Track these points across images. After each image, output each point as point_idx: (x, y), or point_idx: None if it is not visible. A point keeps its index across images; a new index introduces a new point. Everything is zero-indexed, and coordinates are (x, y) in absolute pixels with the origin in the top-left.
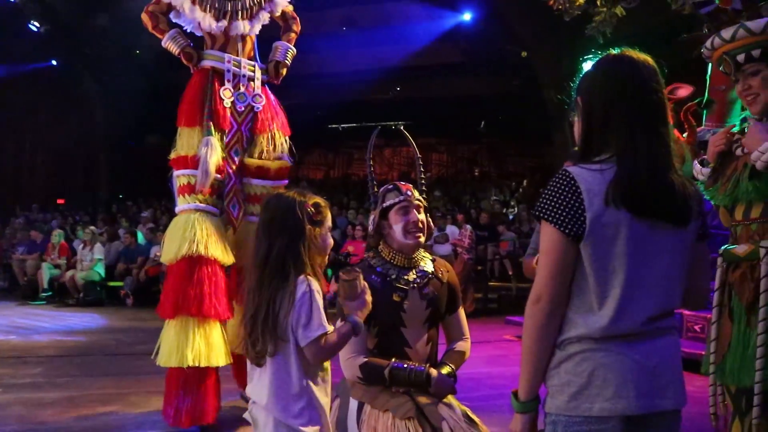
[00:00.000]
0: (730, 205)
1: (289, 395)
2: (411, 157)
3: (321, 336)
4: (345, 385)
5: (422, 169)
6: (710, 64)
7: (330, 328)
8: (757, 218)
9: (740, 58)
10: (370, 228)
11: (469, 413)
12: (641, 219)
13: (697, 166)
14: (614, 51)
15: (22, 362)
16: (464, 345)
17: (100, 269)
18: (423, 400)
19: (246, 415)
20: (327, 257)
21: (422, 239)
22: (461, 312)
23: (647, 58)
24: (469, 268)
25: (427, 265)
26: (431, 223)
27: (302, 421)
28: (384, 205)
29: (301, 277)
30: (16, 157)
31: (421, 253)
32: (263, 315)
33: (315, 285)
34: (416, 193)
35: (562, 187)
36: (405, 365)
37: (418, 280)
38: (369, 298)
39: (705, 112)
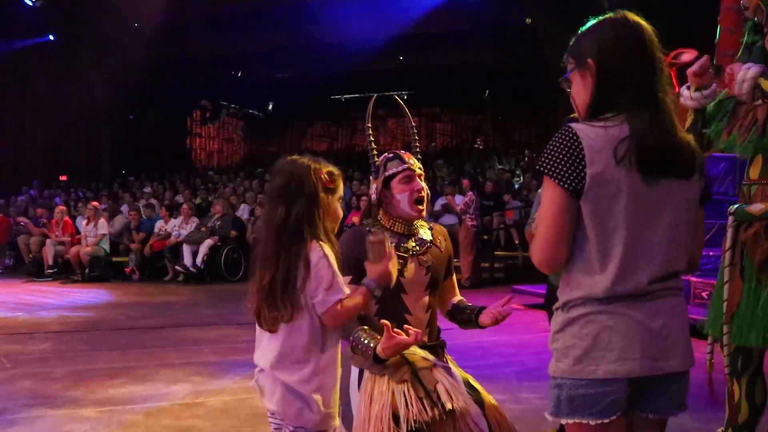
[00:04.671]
0: (749, 156)
1: (299, 361)
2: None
3: (339, 300)
4: (346, 354)
5: (416, 137)
6: (718, 28)
7: (347, 290)
8: None
9: None
10: (373, 197)
11: (471, 380)
12: (646, 176)
13: (684, 91)
14: (612, 14)
15: (29, 338)
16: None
17: (105, 245)
18: (420, 363)
19: (252, 383)
20: (335, 227)
21: (425, 212)
22: (454, 276)
23: (643, 21)
24: (474, 236)
25: (426, 234)
26: (429, 192)
27: (312, 387)
28: (386, 174)
29: (314, 242)
30: (17, 135)
31: (420, 221)
32: (282, 280)
33: (328, 249)
34: (417, 162)
35: (564, 142)
36: (363, 339)
37: (418, 248)
38: (393, 268)
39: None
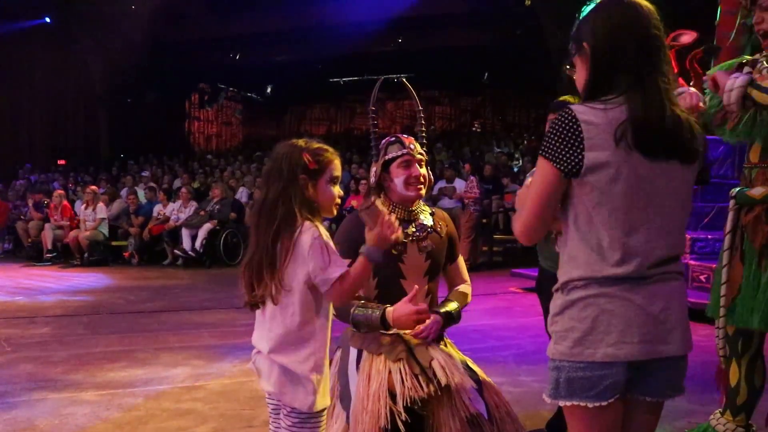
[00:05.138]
0: (745, 143)
1: (294, 343)
2: (413, 110)
3: (340, 276)
4: (345, 335)
5: (423, 122)
6: (719, 10)
7: (344, 264)
8: None
9: None
10: (372, 180)
11: (469, 362)
12: (647, 158)
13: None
14: None
15: (29, 322)
16: (466, 288)
17: (104, 229)
18: (415, 341)
19: (250, 365)
20: (333, 210)
21: (423, 192)
22: (460, 260)
23: (643, 1)
24: (476, 221)
25: (427, 219)
26: (432, 177)
27: (307, 368)
28: (386, 157)
29: (307, 223)
30: (14, 119)
31: (421, 206)
32: (258, 261)
33: (323, 229)
34: (418, 147)
35: (563, 124)
36: (364, 312)
37: (417, 233)
38: (389, 229)
39: (712, 59)
